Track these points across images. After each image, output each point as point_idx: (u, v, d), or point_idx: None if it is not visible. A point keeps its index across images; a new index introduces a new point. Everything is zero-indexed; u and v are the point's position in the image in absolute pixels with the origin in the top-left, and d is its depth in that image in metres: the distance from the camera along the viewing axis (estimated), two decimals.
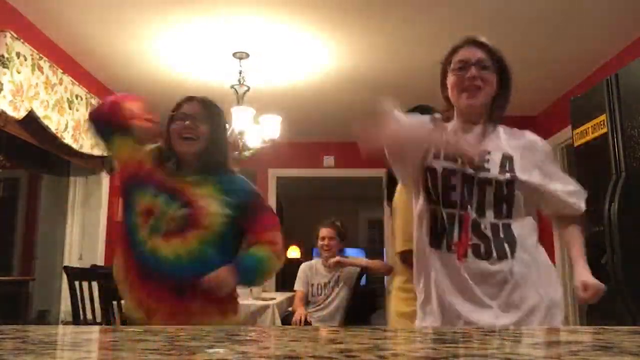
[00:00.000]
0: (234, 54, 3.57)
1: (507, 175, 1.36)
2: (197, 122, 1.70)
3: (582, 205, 1.46)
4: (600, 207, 2.27)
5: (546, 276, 1.40)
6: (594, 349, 0.60)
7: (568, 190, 1.46)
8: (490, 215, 1.35)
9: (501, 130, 1.47)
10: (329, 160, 5.89)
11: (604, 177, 2.31)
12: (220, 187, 1.68)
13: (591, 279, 1.38)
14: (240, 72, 3.63)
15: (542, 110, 4.70)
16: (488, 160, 1.38)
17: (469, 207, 1.35)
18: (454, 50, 1.47)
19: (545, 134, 4.49)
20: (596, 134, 2.42)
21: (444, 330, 0.85)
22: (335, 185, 7.39)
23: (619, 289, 2.14)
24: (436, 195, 1.38)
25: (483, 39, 1.47)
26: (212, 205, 1.63)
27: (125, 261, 1.67)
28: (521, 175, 1.38)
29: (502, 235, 1.35)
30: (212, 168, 1.71)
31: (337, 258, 3.47)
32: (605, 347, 0.62)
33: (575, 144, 2.61)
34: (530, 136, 1.48)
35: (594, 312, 2.52)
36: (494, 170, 1.37)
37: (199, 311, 1.57)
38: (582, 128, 2.54)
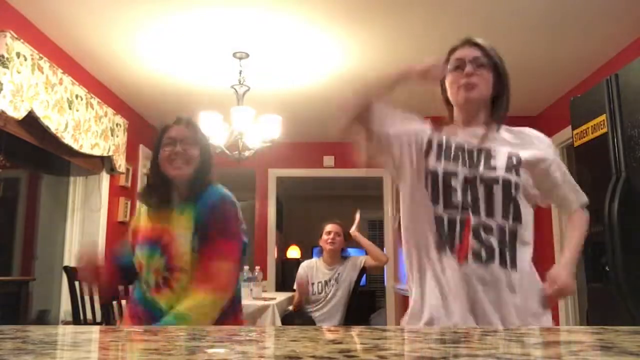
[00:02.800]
0: (234, 54, 3.57)
1: (514, 175, 1.36)
2: (186, 145, 1.70)
3: (585, 198, 1.48)
4: (600, 207, 2.27)
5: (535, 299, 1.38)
6: (594, 349, 0.60)
7: (571, 185, 1.48)
8: (498, 217, 1.34)
9: (503, 129, 1.48)
10: (329, 160, 5.89)
11: (604, 177, 2.31)
12: (195, 214, 1.65)
13: (563, 276, 1.35)
14: (240, 72, 3.63)
15: (542, 110, 4.71)
16: (494, 157, 1.38)
17: (469, 209, 1.34)
18: (451, 52, 1.50)
19: (545, 134, 4.49)
20: (596, 134, 2.42)
21: (444, 330, 0.85)
22: (335, 185, 7.40)
23: (619, 289, 2.14)
24: (436, 198, 1.38)
25: (479, 40, 1.49)
26: (183, 245, 1.61)
27: (134, 312, 1.70)
28: (526, 172, 1.38)
29: (507, 239, 1.33)
30: (198, 192, 1.69)
31: (354, 231, 3.58)
32: (605, 347, 0.62)
33: (575, 144, 2.61)
34: (531, 132, 1.49)
35: (594, 312, 2.53)
36: (500, 168, 1.36)
37: None
38: (582, 128, 2.54)
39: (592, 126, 2.45)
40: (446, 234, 1.35)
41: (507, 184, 1.35)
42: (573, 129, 2.62)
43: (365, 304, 6.94)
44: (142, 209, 1.79)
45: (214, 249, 1.61)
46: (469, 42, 1.49)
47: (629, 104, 2.22)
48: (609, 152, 2.31)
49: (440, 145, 1.44)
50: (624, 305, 2.12)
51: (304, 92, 4.34)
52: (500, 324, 1.30)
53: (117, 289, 1.83)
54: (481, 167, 1.37)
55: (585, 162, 2.57)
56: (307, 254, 7.95)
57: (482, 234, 1.33)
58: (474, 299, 1.32)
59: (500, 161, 1.38)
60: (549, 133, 4.82)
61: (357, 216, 3.67)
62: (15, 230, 4.30)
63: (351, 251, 3.74)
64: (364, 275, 3.65)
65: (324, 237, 3.55)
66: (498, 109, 1.48)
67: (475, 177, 1.36)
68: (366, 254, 3.66)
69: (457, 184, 1.36)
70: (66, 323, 3.64)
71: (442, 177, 1.38)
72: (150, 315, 1.63)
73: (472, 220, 1.33)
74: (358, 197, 8.55)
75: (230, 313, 1.68)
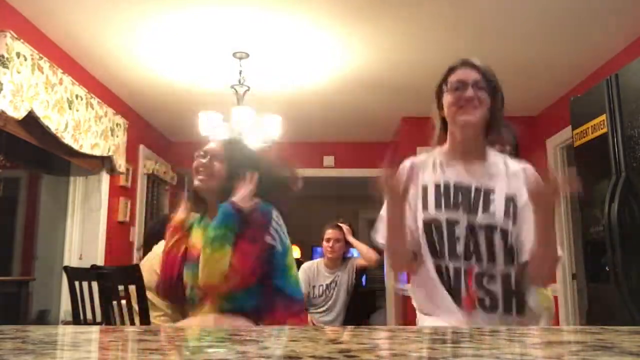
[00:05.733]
0: (234, 54, 3.57)
1: (511, 222, 1.34)
2: (214, 160, 1.74)
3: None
4: (600, 207, 2.27)
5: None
6: (594, 349, 0.60)
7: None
8: (500, 263, 1.34)
9: (500, 157, 1.46)
10: (329, 160, 5.90)
11: (604, 177, 2.31)
12: (233, 227, 1.65)
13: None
14: (240, 72, 3.63)
15: (542, 110, 4.71)
16: (493, 201, 1.36)
17: (473, 258, 1.34)
18: (450, 71, 1.48)
19: (545, 134, 4.50)
20: (596, 134, 2.42)
21: (444, 330, 0.85)
22: (335, 185, 7.39)
23: (619, 289, 2.14)
24: (441, 249, 1.36)
25: (477, 62, 1.48)
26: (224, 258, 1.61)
27: None
28: (522, 218, 1.36)
29: (512, 285, 1.34)
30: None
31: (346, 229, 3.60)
32: (605, 347, 0.62)
33: (575, 144, 2.61)
34: (527, 171, 1.42)
35: (594, 312, 2.52)
36: (499, 215, 1.35)
37: None
38: (582, 128, 2.54)
39: (592, 126, 2.45)
40: (452, 284, 1.34)
41: (504, 232, 1.35)
42: (573, 129, 2.62)
43: (365, 304, 6.93)
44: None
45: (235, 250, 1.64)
46: (468, 64, 1.47)
47: (629, 104, 2.22)
48: (609, 152, 2.31)
49: (438, 187, 1.41)
50: (624, 305, 2.12)
51: (304, 92, 4.33)
52: None
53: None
54: (480, 213, 1.36)
55: (585, 162, 2.57)
56: (307, 254, 7.95)
57: (485, 282, 1.33)
58: None
59: (499, 206, 1.36)
60: (549, 133, 4.82)
61: (345, 226, 3.68)
62: (15, 230, 4.30)
63: (352, 251, 3.75)
64: (364, 276, 3.65)
65: (324, 243, 3.56)
66: (494, 131, 1.48)
67: (475, 224, 1.35)
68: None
69: (460, 233, 1.35)
70: (66, 323, 3.64)
71: (446, 226, 1.36)
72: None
73: (476, 268, 1.33)
74: (358, 197, 8.54)
75: (293, 310, 1.73)
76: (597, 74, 3.71)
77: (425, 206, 1.41)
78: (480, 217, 1.35)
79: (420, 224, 1.40)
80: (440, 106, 1.49)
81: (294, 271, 1.80)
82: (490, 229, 1.34)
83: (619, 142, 2.26)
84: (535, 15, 3.05)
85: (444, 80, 1.48)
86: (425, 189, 1.43)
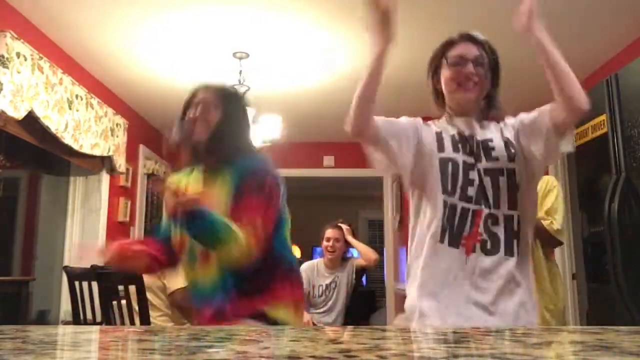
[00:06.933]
0: (234, 54, 3.58)
1: (516, 163, 1.39)
2: (207, 107, 1.66)
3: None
4: (600, 207, 2.27)
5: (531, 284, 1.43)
6: (594, 349, 0.60)
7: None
8: (504, 207, 1.36)
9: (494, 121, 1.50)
10: (329, 160, 5.90)
11: (604, 177, 2.31)
12: (229, 178, 1.57)
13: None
14: (240, 72, 3.63)
15: None
16: (494, 149, 1.40)
17: (482, 201, 1.36)
18: (449, 44, 1.49)
19: None
20: (596, 134, 2.42)
21: (444, 330, 0.85)
22: (335, 185, 7.40)
23: (619, 289, 2.14)
24: (454, 188, 1.38)
25: (479, 36, 1.49)
26: (218, 207, 1.52)
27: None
28: (524, 147, 1.40)
29: (514, 228, 1.37)
30: (225, 155, 1.62)
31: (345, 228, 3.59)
32: (605, 347, 0.62)
33: (575, 144, 2.61)
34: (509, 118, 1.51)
35: (594, 312, 2.53)
36: (502, 159, 1.38)
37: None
38: (582, 128, 2.54)
39: (592, 126, 2.45)
40: (456, 224, 1.36)
41: (510, 173, 1.38)
42: None
43: (365, 304, 6.94)
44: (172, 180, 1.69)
45: (243, 204, 1.51)
46: (469, 38, 1.48)
47: (629, 104, 2.23)
48: (609, 152, 2.31)
49: (453, 137, 1.44)
50: (624, 305, 2.12)
51: (304, 92, 4.34)
52: (499, 312, 1.32)
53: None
54: (484, 161, 1.39)
55: (585, 162, 2.57)
56: (307, 254, 7.95)
57: (490, 224, 1.36)
58: (475, 288, 1.34)
59: (499, 151, 1.39)
60: None
61: (345, 227, 3.69)
62: (15, 230, 4.30)
63: (352, 251, 3.76)
64: (364, 276, 3.65)
65: (324, 243, 3.56)
66: (491, 102, 1.50)
67: (481, 169, 1.38)
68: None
69: (474, 176, 1.38)
70: (66, 323, 3.64)
71: (462, 168, 1.39)
72: (203, 299, 1.56)
73: (485, 211, 1.36)
74: (358, 197, 8.56)
75: (285, 280, 1.62)
76: (597, 74, 3.71)
77: (441, 148, 1.42)
78: (485, 164, 1.38)
79: (436, 162, 1.41)
80: (434, 76, 1.51)
81: (289, 241, 1.69)
82: (496, 173, 1.37)
83: (619, 142, 2.26)
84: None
85: (442, 53, 1.49)
86: (439, 134, 1.45)
